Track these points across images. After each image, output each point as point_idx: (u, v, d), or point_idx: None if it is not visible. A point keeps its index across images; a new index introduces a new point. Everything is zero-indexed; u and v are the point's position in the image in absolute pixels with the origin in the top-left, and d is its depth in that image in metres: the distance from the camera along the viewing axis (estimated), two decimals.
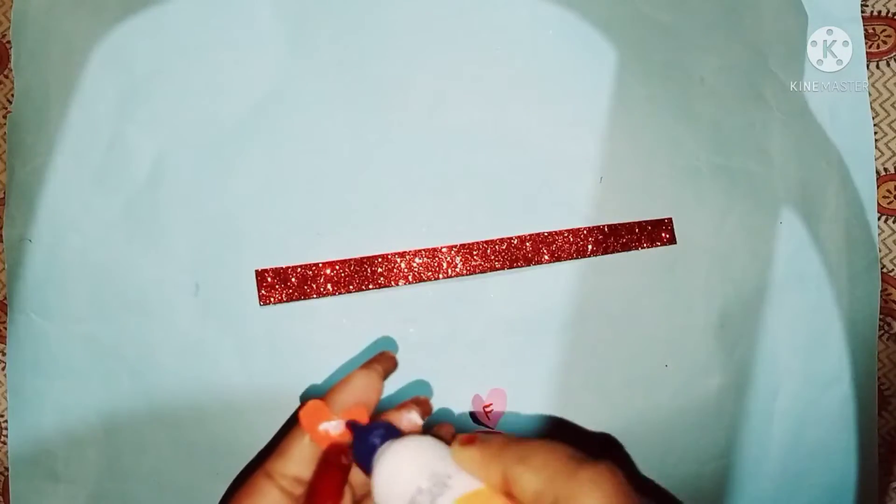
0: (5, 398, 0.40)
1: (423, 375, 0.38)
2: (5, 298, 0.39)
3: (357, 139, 0.38)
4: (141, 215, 0.38)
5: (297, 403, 0.38)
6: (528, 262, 0.38)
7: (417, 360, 0.38)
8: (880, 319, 0.40)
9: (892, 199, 0.40)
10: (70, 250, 0.38)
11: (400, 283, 0.37)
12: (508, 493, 0.24)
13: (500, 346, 0.38)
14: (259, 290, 0.37)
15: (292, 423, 0.28)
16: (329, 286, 0.37)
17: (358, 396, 0.29)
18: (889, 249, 0.40)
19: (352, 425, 0.27)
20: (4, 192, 0.39)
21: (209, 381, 0.38)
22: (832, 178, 0.39)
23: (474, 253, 0.37)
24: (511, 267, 0.38)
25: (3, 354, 0.40)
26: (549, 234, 0.38)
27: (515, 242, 0.38)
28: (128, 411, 0.38)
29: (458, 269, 0.37)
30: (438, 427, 0.30)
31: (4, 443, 0.40)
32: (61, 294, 0.38)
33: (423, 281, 0.38)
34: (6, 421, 0.40)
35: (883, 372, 0.40)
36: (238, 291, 0.38)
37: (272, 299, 0.37)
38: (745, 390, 0.39)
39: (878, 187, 0.40)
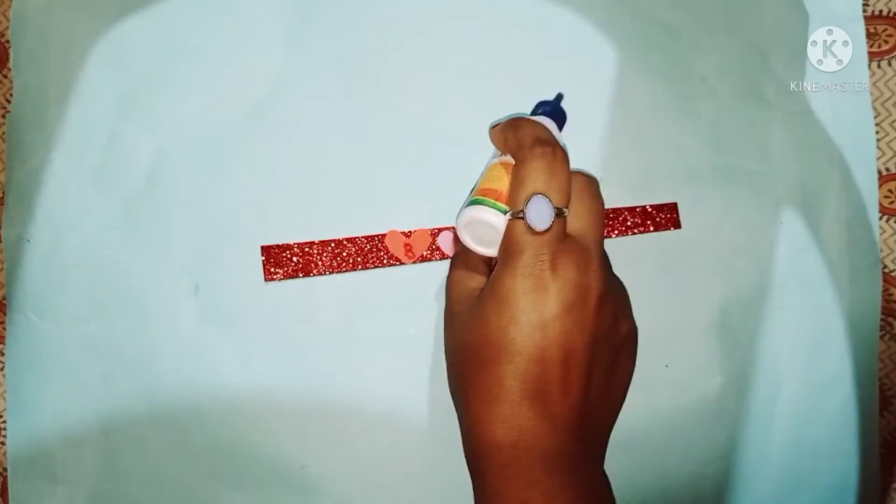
0: (4, 399, 0.40)
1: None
2: (4, 298, 0.39)
3: (357, 139, 0.38)
4: (140, 215, 0.38)
5: (297, 403, 0.38)
6: None
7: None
8: (882, 319, 0.40)
9: (893, 198, 0.40)
10: (69, 250, 0.38)
11: (406, 262, 0.38)
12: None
13: None
14: (265, 267, 0.37)
15: None
16: (335, 262, 0.37)
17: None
18: (891, 249, 0.40)
19: None
20: (3, 192, 0.39)
21: (209, 381, 0.38)
22: (833, 178, 0.39)
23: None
24: None
25: (2, 355, 0.40)
26: None
27: None
28: (127, 412, 0.38)
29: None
30: None
31: (3, 443, 0.40)
32: (60, 294, 0.38)
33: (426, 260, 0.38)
34: (5, 422, 0.40)
35: (884, 372, 0.40)
36: (238, 291, 0.38)
37: (278, 275, 0.37)
38: (745, 391, 0.39)
39: (879, 187, 0.39)
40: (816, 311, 0.39)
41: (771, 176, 0.39)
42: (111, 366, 0.38)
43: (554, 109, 0.36)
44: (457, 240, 0.35)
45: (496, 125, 0.34)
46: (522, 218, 0.29)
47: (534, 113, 0.37)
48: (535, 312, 0.28)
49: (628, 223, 0.38)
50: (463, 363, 0.31)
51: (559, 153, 0.30)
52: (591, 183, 0.32)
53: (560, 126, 0.36)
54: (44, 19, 0.38)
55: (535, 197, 0.29)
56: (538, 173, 0.29)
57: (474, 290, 0.32)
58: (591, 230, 0.30)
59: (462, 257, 0.34)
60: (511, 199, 0.30)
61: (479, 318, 0.30)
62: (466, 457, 0.31)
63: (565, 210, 0.30)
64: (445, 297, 0.34)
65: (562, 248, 0.29)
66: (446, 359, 0.33)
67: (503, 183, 0.31)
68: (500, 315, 0.29)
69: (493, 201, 0.31)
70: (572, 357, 0.29)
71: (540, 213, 0.29)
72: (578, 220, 0.30)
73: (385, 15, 0.38)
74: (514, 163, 0.31)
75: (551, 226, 0.29)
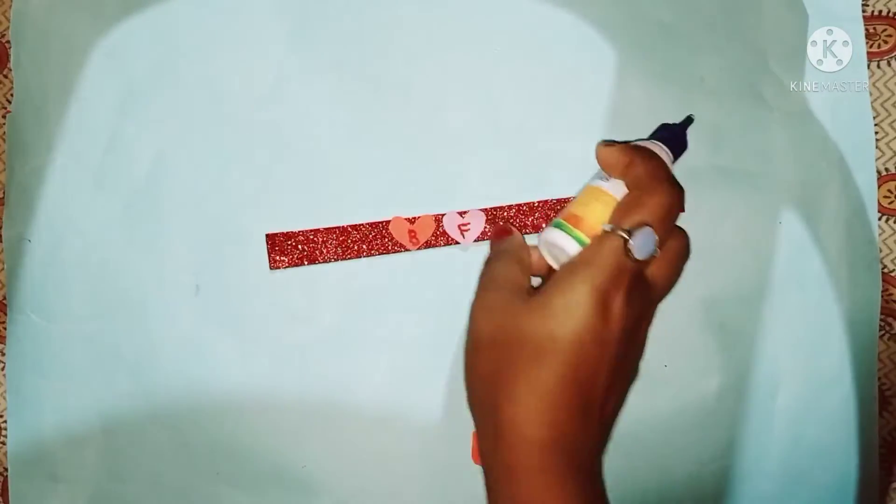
0: (5, 398, 0.40)
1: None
2: (5, 298, 0.39)
3: (357, 139, 0.38)
4: (140, 215, 0.38)
5: (297, 403, 0.38)
6: (537, 229, 0.38)
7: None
8: (881, 319, 0.40)
9: (892, 198, 0.40)
10: (69, 250, 0.38)
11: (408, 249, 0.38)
12: None
13: None
14: (270, 255, 0.37)
15: None
16: (339, 249, 0.37)
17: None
18: (890, 249, 0.40)
19: None
20: (4, 192, 0.39)
21: (209, 381, 0.38)
22: (833, 178, 0.39)
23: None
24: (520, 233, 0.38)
25: (3, 354, 0.40)
26: (558, 200, 0.38)
27: (525, 210, 0.38)
28: (127, 411, 0.38)
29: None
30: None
31: (4, 443, 0.40)
32: (61, 294, 0.38)
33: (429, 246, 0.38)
34: (6, 421, 0.40)
35: (883, 372, 0.40)
36: (238, 291, 0.38)
37: (283, 263, 0.37)
38: (745, 390, 0.39)
39: (878, 187, 0.39)
40: (816, 311, 0.39)
41: (770, 176, 0.39)
42: (111, 366, 0.38)
43: (676, 137, 0.36)
44: (500, 233, 0.36)
45: (611, 144, 0.34)
46: (626, 239, 0.30)
47: (656, 135, 0.36)
48: (602, 327, 0.29)
49: None
50: (507, 355, 0.30)
51: (680, 201, 0.32)
52: (685, 251, 0.33)
53: (676, 156, 0.36)
54: (45, 19, 0.38)
55: (647, 227, 0.30)
56: (660, 209, 0.31)
57: (523, 285, 0.32)
58: (664, 282, 0.32)
59: (514, 254, 0.34)
60: (620, 214, 0.31)
61: (542, 313, 0.30)
62: (488, 459, 0.31)
63: (658, 252, 0.31)
64: (485, 285, 0.33)
65: (639, 283, 0.30)
66: (472, 348, 0.32)
67: (588, 210, 0.32)
68: (568, 315, 0.29)
69: (571, 228, 0.32)
70: (617, 377, 0.30)
71: (645, 244, 0.30)
72: (659, 270, 0.32)
73: (385, 15, 0.38)
74: (610, 192, 0.33)
75: (646, 259, 0.30)
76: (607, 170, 0.34)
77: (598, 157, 0.34)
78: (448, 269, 0.38)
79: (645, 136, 0.38)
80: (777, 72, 0.39)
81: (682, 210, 0.32)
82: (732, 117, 0.39)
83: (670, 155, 0.35)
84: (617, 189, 0.33)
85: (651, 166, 0.32)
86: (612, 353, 0.30)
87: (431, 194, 0.38)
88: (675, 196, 0.32)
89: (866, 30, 0.39)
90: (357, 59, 0.38)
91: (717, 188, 0.39)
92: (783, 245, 0.39)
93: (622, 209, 0.31)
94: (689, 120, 0.37)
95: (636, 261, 0.30)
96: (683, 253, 0.33)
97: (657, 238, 0.30)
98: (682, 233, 0.33)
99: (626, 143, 0.34)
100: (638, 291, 0.30)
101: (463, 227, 0.38)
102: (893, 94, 0.39)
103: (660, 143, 0.35)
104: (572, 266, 0.31)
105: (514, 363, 0.30)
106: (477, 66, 0.38)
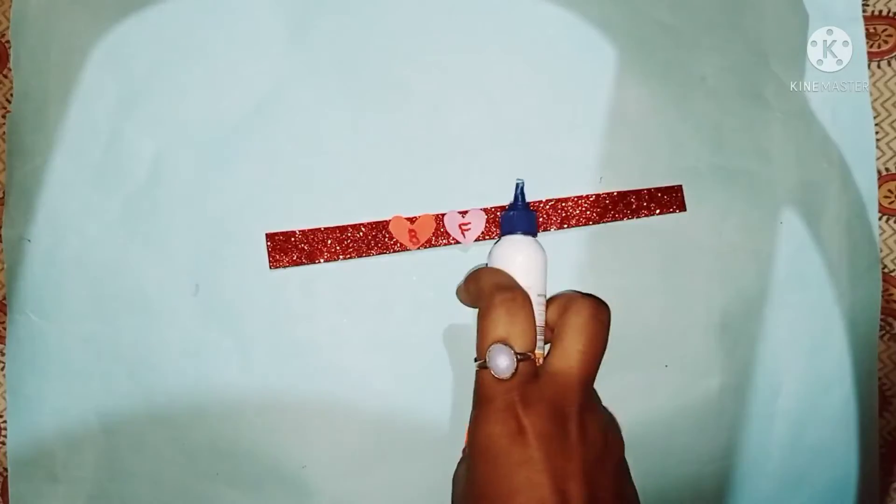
0: (4, 398, 0.40)
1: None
2: (4, 298, 0.39)
3: (357, 139, 0.38)
4: (140, 215, 0.38)
5: (297, 403, 0.38)
6: (538, 228, 0.38)
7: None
8: (881, 319, 0.40)
9: (893, 198, 0.40)
10: (69, 250, 0.38)
11: (409, 249, 0.38)
12: None
13: None
14: (270, 254, 0.37)
15: None
16: (339, 249, 0.37)
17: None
18: (890, 249, 0.40)
19: None
20: (3, 192, 0.39)
21: (209, 381, 0.38)
22: (833, 178, 0.39)
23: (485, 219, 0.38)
24: None
25: (2, 355, 0.40)
26: (557, 200, 0.38)
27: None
28: (127, 411, 0.38)
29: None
30: None
31: (3, 443, 0.40)
32: (60, 294, 0.38)
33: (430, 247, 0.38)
34: (5, 421, 0.40)
35: (884, 372, 0.40)
36: (238, 291, 0.38)
37: (283, 262, 0.37)
38: (745, 391, 0.39)
39: (879, 187, 0.39)
40: (816, 311, 0.39)
41: (771, 176, 0.39)
42: (111, 365, 0.38)
43: (519, 214, 0.35)
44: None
45: (460, 284, 0.36)
46: (487, 368, 0.29)
47: (504, 223, 0.36)
48: (518, 453, 0.28)
49: (633, 206, 0.38)
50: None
51: (519, 298, 0.31)
52: (595, 318, 0.31)
53: (530, 230, 0.35)
54: (44, 20, 0.38)
55: (494, 346, 0.29)
56: (498, 322, 0.30)
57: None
58: (578, 368, 0.30)
59: None
60: (477, 348, 0.31)
61: (471, 475, 0.30)
62: None
63: (531, 354, 0.30)
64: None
65: (532, 389, 0.29)
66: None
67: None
68: (487, 464, 0.29)
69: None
70: (569, 488, 0.28)
71: (501, 362, 0.29)
72: (564, 360, 0.30)
73: (385, 15, 0.38)
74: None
75: (515, 372, 0.29)
76: (465, 303, 0.36)
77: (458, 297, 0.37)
78: (448, 269, 0.38)
79: (643, 138, 0.38)
80: (777, 72, 0.39)
81: (526, 301, 0.31)
82: (733, 117, 0.39)
83: (526, 236, 0.34)
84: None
85: (482, 282, 0.32)
86: (552, 466, 0.28)
87: (432, 194, 0.38)
88: (510, 301, 0.30)
89: (866, 30, 0.39)
90: (357, 59, 0.38)
91: (718, 188, 0.39)
92: (783, 245, 0.39)
93: (477, 338, 0.31)
94: (518, 186, 0.36)
95: (508, 379, 0.29)
96: (593, 328, 0.31)
97: (511, 347, 0.29)
98: (588, 308, 0.32)
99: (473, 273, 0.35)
100: (540, 397, 0.29)
101: (464, 227, 0.38)
102: (893, 94, 0.39)
103: (510, 237, 0.35)
104: (472, 419, 0.30)
105: None
106: (477, 66, 0.38)
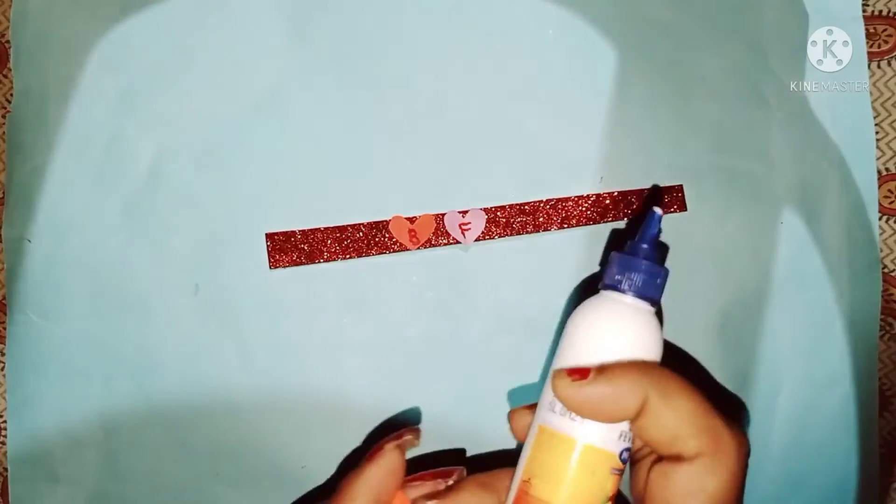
0: (4, 399, 0.40)
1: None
2: (4, 298, 0.39)
3: (357, 138, 0.38)
4: (140, 215, 0.38)
5: (297, 403, 0.38)
6: (537, 229, 0.38)
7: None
8: (881, 320, 0.40)
9: (893, 198, 0.40)
10: (69, 250, 0.38)
11: (409, 248, 0.38)
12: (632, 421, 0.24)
13: (496, 346, 0.38)
14: (269, 254, 0.37)
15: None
16: (339, 248, 0.37)
17: (390, 472, 0.30)
18: (890, 249, 0.40)
19: None
20: (3, 192, 0.39)
21: (209, 381, 0.38)
22: (833, 178, 0.39)
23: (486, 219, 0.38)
24: (521, 233, 0.38)
25: (3, 355, 0.40)
26: (558, 200, 0.38)
27: (527, 209, 0.38)
28: (127, 412, 0.38)
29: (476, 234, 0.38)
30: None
31: (3, 443, 0.40)
32: (61, 294, 0.38)
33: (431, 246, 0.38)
34: (5, 422, 0.40)
35: (884, 372, 0.40)
36: (238, 291, 0.38)
37: (283, 262, 0.37)
38: (746, 391, 0.39)
39: (879, 187, 0.39)
40: (816, 312, 0.39)
41: (771, 176, 0.39)
42: (111, 366, 0.38)
43: (651, 271, 0.26)
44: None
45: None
46: None
47: (620, 268, 0.28)
48: None
49: (634, 206, 0.38)
50: None
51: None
52: None
53: (656, 293, 0.27)
54: (44, 20, 0.38)
55: None
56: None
57: None
58: None
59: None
60: None
61: None
62: None
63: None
64: None
65: None
66: None
67: None
68: None
69: None
70: None
71: None
72: None
73: (385, 15, 0.38)
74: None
75: None
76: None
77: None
78: (448, 269, 0.38)
79: (643, 138, 0.38)
80: (777, 72, 0.39)
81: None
82: (733, 117, 0.39)
83: (647, 304, 0.27)
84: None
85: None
86: None
87: (431, 193, 0.38)
88: None
89: (866, 30, 0.39)
90: (357, 58, 0.38)
91: (718, 188, 0.39)
92: (784, 245, 0.39)
93: None
94: (654, 216, 0.28)
95: None
96: None
97: None
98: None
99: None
100: None
101: (464, 227, 0.38)
102: (893, 94, 0.39)
103: (631, 302, 0.27)
104: None
105: None
106: (477, 65, 0.38)
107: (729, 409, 0.38)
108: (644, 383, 0.24)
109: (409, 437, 0.31)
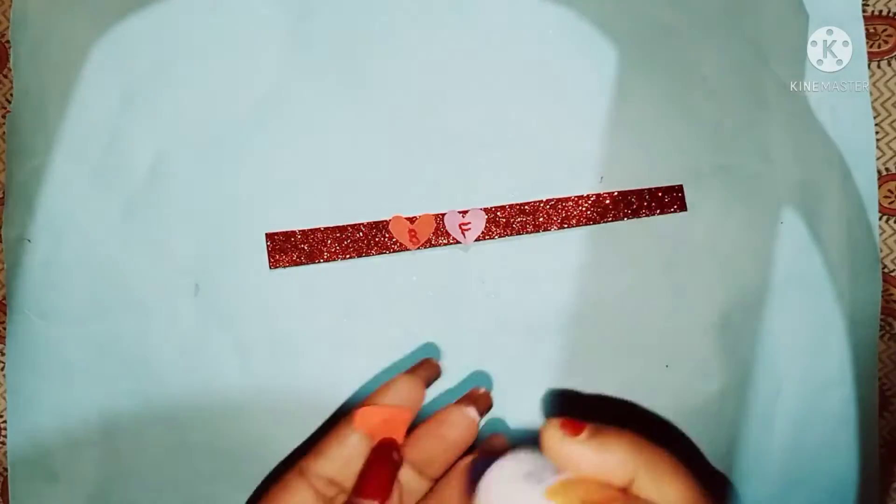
0: (4, 399, 0.40)
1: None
2: (4, 298, 0.39)
3: (356, 138, 0.38)
4: (141, 215, 0.38)
5: (297, 403, 0.38)
6: (537, 229, 0.38)
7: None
8: (882, 320, 0.40)
9: (893, 198, 0.40)
10: (69, 250, 0.38)
11: (409, 249, 0.38)
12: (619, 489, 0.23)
13: (496, 346, 0.38)
14: (270, 254, 0.37)
15: (332, 423, 0.28)
16: (339, 248, 0.37)
17: (402, 401, 0.29)
18: (890, 249, 0.40)
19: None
20: (3, 192, 0.39)
21: (209, 381, 0.38)
22: (833, 178, 0.39)
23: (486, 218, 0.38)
24: (521, 233, 0.38)
25: (2, 355, 0.40)
26: (558, 200, 0.38)
27: (527, 209, 0.38)
28: (127, 412, 0.38)
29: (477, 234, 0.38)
30: (490, 439, 0.31)
31: (3, 443, 0.40)
32: (60, 294, 0.38)
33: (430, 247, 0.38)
34: (5, 422, 0.40)
35: (884, 372, 0.40)
36: (238, 291, 0.38)
37: (283, 262, 0.37)
38: (745, 392, 0.39)
39: (879, 187, 0.39)
40: (816, 311, 0.39)
41: (771, 176, 0.39)
42: (111, 366, 0.38)
43: None
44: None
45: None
46: None
47: None
48: None
49: (634, 206, 0.38)
50: None
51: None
52: None
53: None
54: (44, 19, 0.38)
55: None
56: None
57: None
58: None
59: None
60: None
61: None
62: None
63: None
64: None
65: None
66: None
67: None
68: None
69: None
70: None
71: None
72: None
73: (385, 14, 0.38)
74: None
75: None
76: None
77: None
78: (448, 269, 0.38)
79: (643, 137, 0.38)
80: (777, 72, 0.39)
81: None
82: (733, 117, 0.39)
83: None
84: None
85: None
86: None
87: (431, 193, 0.38)
88: None
89: (866, 30, 0.39)
90: (357, 58, 0.38)
91: (718, 188, 0.39)
92: (783, 245, 0.39)
93: None
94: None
95: None
96: None
97: None
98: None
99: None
100: None
101: (464, 227, 0.38)
102: (893, 94, 0.39)
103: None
104: None
105: None
106: (477, 65, 0.38)
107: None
108: (636, 460, 0.23)
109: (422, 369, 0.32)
